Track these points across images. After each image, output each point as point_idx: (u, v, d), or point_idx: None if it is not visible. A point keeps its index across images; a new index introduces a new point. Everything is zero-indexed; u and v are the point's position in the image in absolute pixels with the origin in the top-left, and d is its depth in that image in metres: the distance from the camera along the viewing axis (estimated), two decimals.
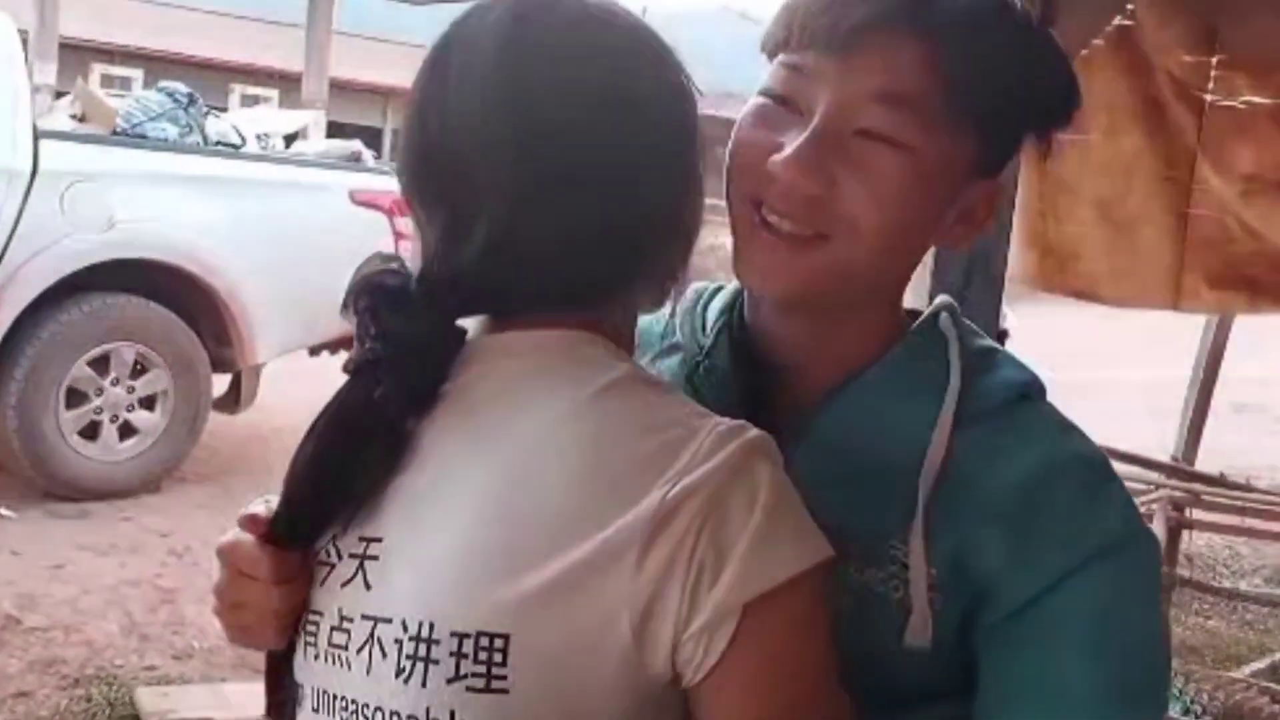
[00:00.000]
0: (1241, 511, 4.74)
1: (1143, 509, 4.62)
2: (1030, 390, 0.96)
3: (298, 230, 5.65)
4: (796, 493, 0.82)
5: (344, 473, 0.86)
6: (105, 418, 5.38)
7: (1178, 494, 4.70)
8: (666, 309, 1.06)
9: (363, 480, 0.86)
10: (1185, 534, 4.77)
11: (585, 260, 0.86)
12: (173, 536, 4.90)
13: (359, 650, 0.84)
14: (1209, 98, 3.17)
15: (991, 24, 0.89)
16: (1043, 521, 0.89)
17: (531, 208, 0.84)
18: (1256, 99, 3.16)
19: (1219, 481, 5.05)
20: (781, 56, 0.92)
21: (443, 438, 0.86)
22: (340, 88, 15.13)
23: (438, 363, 0.87)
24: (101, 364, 5.35)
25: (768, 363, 0.99)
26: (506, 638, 0.78)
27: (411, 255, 0.91)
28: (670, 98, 0.89)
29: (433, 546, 0.82)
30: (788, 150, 0.89)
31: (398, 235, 5.57)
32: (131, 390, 5.44)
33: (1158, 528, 4.65)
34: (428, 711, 0.80)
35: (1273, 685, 3.50)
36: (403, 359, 0.85)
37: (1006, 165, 0.96)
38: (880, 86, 0.87)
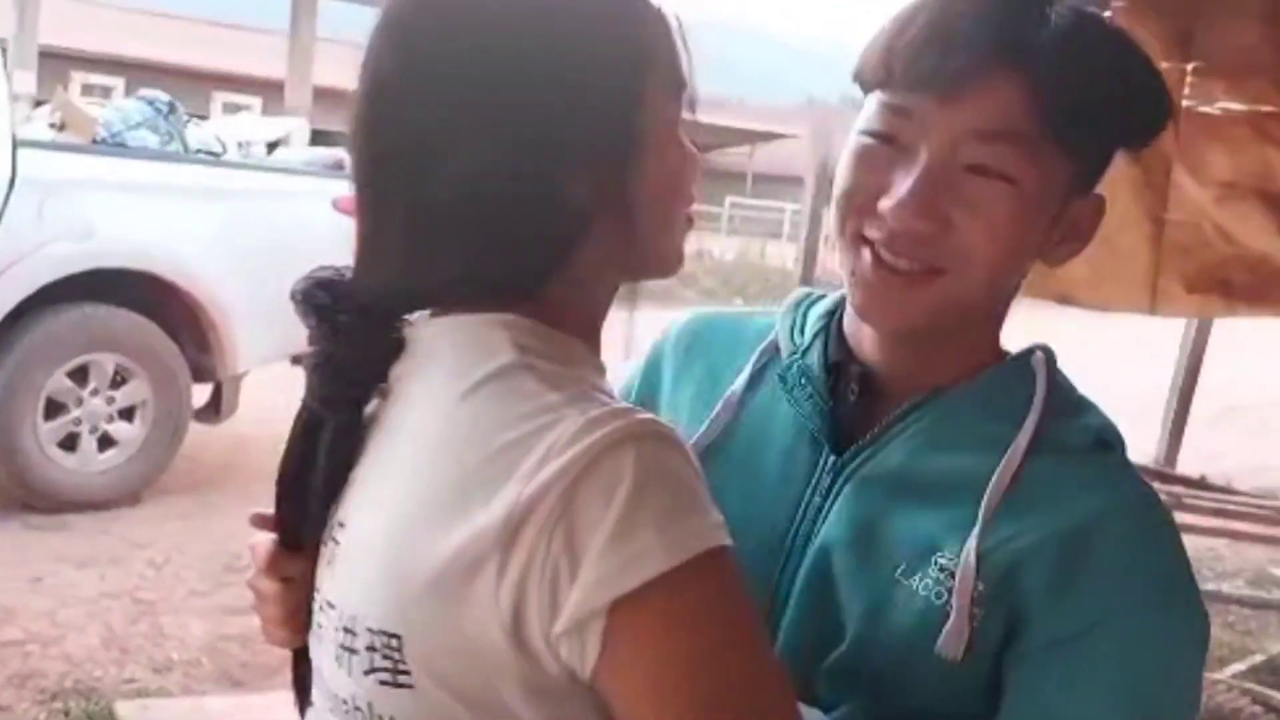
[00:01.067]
0: (1223, 514, 4.76)
1: None
2: (1110, 438, 0.97)
3: (280, 238, 5.60)
4: (682, 478, 0.77)
5: (306, 470, 0.90)
6: (84, 429, 5.34)
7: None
8: (780, 307, 1.11)
9: (320, 476, 0.89)
10: None
11: (486, 255, 0.83)
12: (152, 548, 4.87)
13: (324, 628, 0.88)
14: (1185, 103, 3.19)
15: (1086, 52, 0.92)
16: (1095, 562, 0.89)
17: (416, 209, 0.84)
18: (1232, 105, 3.18)
19: (1200, 484, 5.08)
20: (883, 96, 0.95)
21: (378, 426, 0.88)
22: (324, 95, 15.07)
23: (369, 364, 0.87)
24: (81, 375, 5.30)
25: (859, 369, 1.01)
26: (399, 638, 0.80)
27: None
28: (589, 80, 0.83)
29: (360, 537, 0.85)
30: (900, 191, 0.92)
31: None
32: (111, 401, 5.40)
33: None
34: (354, 699, 0.84)
35: (1254, 686, 3.52)
36: (334, 364, 0.87)
37: (1101, 177, 0.98)
38: (985, 125, 0.90)
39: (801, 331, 1.07)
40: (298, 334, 0.91)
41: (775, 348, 1.08)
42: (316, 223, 5.69)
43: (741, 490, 0.99)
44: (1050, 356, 1.00)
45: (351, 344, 0.87)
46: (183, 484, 5.72)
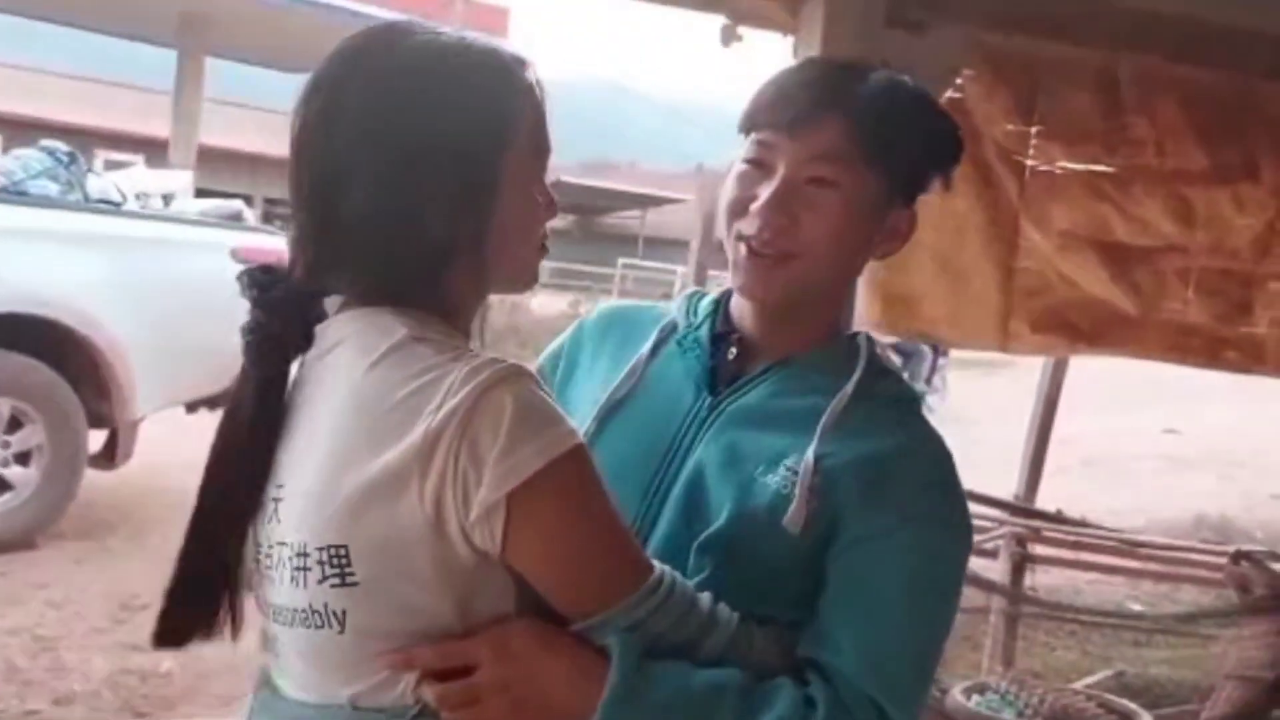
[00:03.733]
0: (1079, 546, 5.07)
1: (989, 544, 4.96)
2: (913, 397, 1.36)
3: (178, 287, 5.69)
4: (546, 403, 1.05)
5: (241, 437, 1.14)
6: None
7: (1020, 530, 5.03)
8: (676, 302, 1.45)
9: (249, 420, 1.13)
10: (1029, 570, 5.10)
11: (371, 268, 1.11)
12: (51, 589, 4.90)
13: (275, 568, 1.12)
14: (1029, 163, 3.53)
15: (893, 102, 1.29)
16: (898, 481, 1.23)
17: (321, 228, 1.12)
18: (1070, 165, 3.53)
19: (1058, 518, 5.39)
20: (753, 135, 1.31)
21: (304, 399, 1.14)
22: (207, 154, 15.01)
23: (289, 330, 1.14)
24: None
25: (735, 340, 1.35)
26: (346, 547, 1.06)
27: None
28: (458, 145, 1.10)
29: (298, 489, 1.10)
30: (763, 198, 1.27)
31: None
32: (6, 445, 5.42)
33: (1003, 562, 4.99)
34: (310, 605, 1.09)
35: (1100, 694, 3.82)
36: (262, 329, 1.14)
37: (918, 196, 1.34)
38: (819, 150, 1.27)
39: (695, 314, 1.41)
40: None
41: (674, 325, 1.41)
42: (215, 272, 5.71)
43: (640, 425, 1.33)
44: (870, 339, 1.35)
45: (276, 314, 1.13)
46: (78, 529, 5.73)
